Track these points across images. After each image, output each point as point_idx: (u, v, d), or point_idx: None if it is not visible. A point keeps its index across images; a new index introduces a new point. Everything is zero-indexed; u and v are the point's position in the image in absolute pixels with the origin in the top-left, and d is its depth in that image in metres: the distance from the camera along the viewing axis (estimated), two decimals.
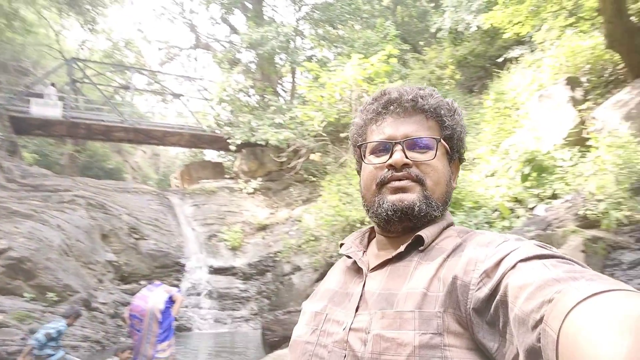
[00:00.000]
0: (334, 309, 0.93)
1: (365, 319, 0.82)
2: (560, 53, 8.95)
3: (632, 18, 7.32)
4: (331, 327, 0.89)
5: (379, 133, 0.96)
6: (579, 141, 7.48)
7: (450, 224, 0.95)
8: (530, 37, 10.46)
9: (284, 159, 14.39)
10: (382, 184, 0.92)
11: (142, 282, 11.74)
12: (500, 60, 12.48)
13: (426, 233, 0.88)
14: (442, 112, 0.94)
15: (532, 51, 10.70)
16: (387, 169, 0.92)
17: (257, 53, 17.67)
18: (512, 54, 11.91)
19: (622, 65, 7.93)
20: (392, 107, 0.95)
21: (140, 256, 12.32)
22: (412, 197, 0.88)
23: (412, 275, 0.83)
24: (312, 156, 14.16)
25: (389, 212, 0.89)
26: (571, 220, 5.93)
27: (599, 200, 5.66)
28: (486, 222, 7.42)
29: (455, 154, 0.98)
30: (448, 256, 0.82)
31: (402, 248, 0.88)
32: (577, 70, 8.68)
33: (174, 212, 15.22)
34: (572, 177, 6.57)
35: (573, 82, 8.57)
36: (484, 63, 15.01)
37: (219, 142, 18.28)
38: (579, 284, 0.57)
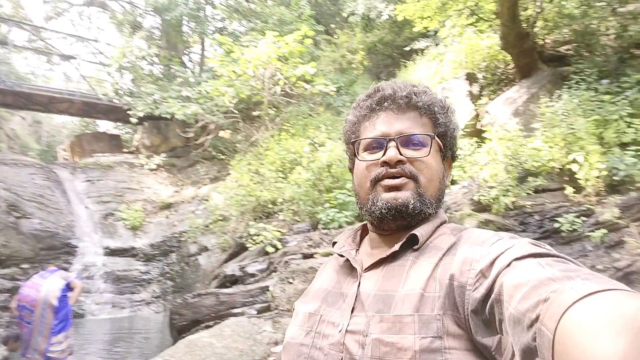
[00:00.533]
0: (328, 310, 0.91)
1: (362, 321, 0.81)
2: (461, 49, 9.70)
3: (523, 24, 8.17)
4: (326, 328, 0.88)
5: (372, 130, 0.96)
6: (475, 132, 8.25)
7: (444, 222, 0.95)
8: (435, 32, 11.16)
9: (190, 135, 13.67)
10: (375, 181, 0.91)
11: (24, 266, 10.50)
12: (407, 49, 13.17)
13: (420, 232, 0.88)
14: (436, 109, 0.95)
15: (436, 45, 11.45)
16: (380, 166, 0.91)
17: (162, 19, 16.38)
18: (418, 45, 12.63)
19: (513, 65, 8.85)
20: (385, 103, 0.95)
21: (22, 237, 10.95)
22: (405, 195, 0.88)
23: (408, 275, 0.83)
24: (222, 133, 13.63)
25: (383, 211, 0.88)
26: (467, 204, 6.56)
27: (491, 187, 6.33)
28: None
29: (448, 151, 0.99)
30: (443, 255, 0.83)
31: (396, 247, 0.87)
32: (475, 66, 9.50)
33: (62, 188, 13.71)
34: (469, 165, 7.25)
35: (471, 78, 9.39)
36: (392, 52, 15.72)
37: (116, 113, 16.74)
38: (575, 283, 0.57)
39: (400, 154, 0.89)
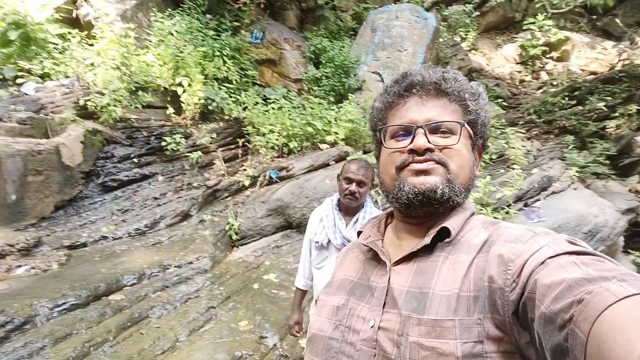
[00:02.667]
0: (357, 304, 0.89)
1: (396, 319, 0.80)
2: None
3: None
4: (356, 323, 0.86)
5: (400, 117, 0.92)
6: (71, 22, 7.01)
7: (473, 213, 0.93)
8: None
9: None
10: (402, 168, 0.88)
11: None
12: None
13: (452, 224, 0.85)
14: (466, 95, 0.92)
15: None
16: (407, 153, 0.88)
17: None
18: None
19: None
20: (414, 90, 0.92)
21: None
22: (434, 179, 0.85)
23: (441, 272, 0.81)
24: None
25: (410, 196, 0.85)
26: (70, 107, 5.67)
27: (102, 94, 5.76)
28: None
29: (478, 139, 0.95)
30: (477, 253, 0.81)
31: (427, 240, 0.85)
32: None
33: None
34: (68, 59, 6.18)
35: None
36: None
37: None
38: (611, 284, 0.56)
39: (429, 142, 0.86)
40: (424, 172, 0.85)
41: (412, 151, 0.86)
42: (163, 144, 5.94)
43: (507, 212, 5.46)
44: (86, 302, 3.45)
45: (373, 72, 8.39)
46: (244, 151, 6.80)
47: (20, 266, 3.95)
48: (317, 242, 2.46)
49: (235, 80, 7.41)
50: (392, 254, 0.91)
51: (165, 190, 5.72)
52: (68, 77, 6.14)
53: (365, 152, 6.90)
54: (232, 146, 6.82)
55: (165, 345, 3.18)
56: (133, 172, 5.68)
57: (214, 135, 6.59)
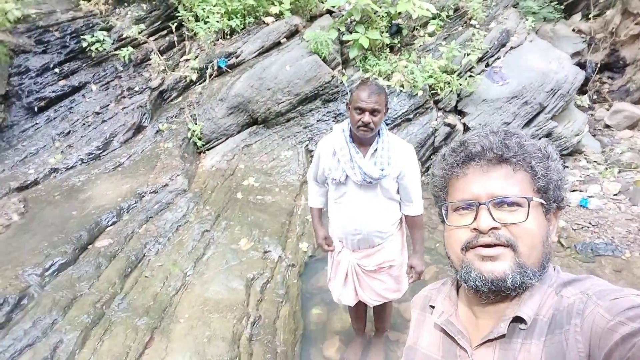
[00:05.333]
0: None
1: None
2: None
3: None
4: None
5: (461, 190, 0.87)
6: None
7: (550, 284, 0.85)
8: None
9: None
10: (467, 248, 0.84)
11: None
12: None
13: (526, 311, 0.80)
14: (533, 162, 0.84)
15: None
16: (471, 231, 0.83)
17: None
18: None
19: None
20: (473, 162, 0.86)
21: None
22: (502, 267, 0.80)
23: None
24: None
25: (478, 283, 0.81)
26: None
27: None
28: None
29: (552, 204, 0.87)
30: (547, 335, 0.78)
31: (503, 329, 0.81)
32: None
33: None
34: None
35: None
36: None
37: None
38: None
39: (494, 219, 0.81)
40: (491, 258, 0.80)
41: (477, 229, 0.82)
42: (84, 44, 4.95)
43: (470, 76, 5.43)
44: (74, 257, 3.21)
45: None
46: (180, 37, 5.90)
47: None
48: (333, 179, 2.30)
49: None
50: (471, 332, 0.88)
51: (104, 101, 5.00)
52: None
53: (312, 18, 6.25)
54: (164, 32, 5.86)
55: (177, 284, 3.14)
56: (59, 85, 4.84)
57: (140, 22, 5.57)
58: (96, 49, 5.02)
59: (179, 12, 5.63)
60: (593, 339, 0.70)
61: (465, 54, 5.41)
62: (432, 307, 0.99)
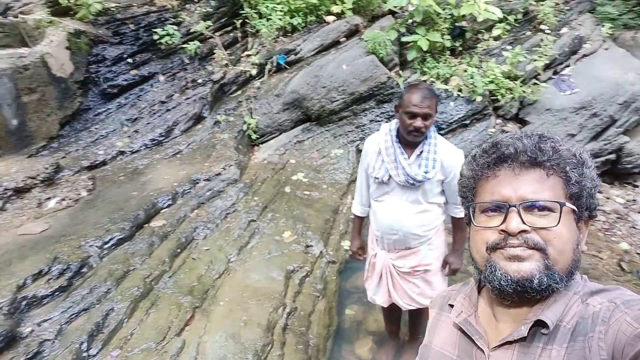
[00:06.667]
0: None
1: None
2: None
3: None
4: None
5: (491, 192, 0.85)
6: None
7: (575, 292, 0.84)
8: None
9: None
10: (494, 248, 0.82)
11: None
12: None
13: (550, 316, 0.78)
14: (567, 167, 0.82)
15: None
16: (499, 233, 0.81)
17: None
18: None
19: None
20: (506, 164, 0.84)
21: None
22: (530, 267, 0.78)
23: None
24: None
25: (503, 282, 0.79)
26: (41, 6, 4.88)
27: None
28: None
29: (584, 212, 0.85)
30: (569, 342, 0.77)
31: (524, 332, 0.79)
32: None
33: None
34: None
35: None
36: None
37: None
38: None
39: (524, 222, 0.78)
40: (518, 258, 0.78)
41: (505, 231, 0.80)
42: (155, 37, 5.28)
43: (535, 84, 5.17)
44: (131, 234, 3.45)
45: None
46: (244, 33, 6.12)
47: (49, 198, 3.86)
48: (376, 177, 2.30)
49: None
50: (489, 334, 0.87)
51: (170, 91, 5.31)
52: None
53: (373, 19, 6.24)
54: (229, 28, 6.11)
55: (220, 269, 3.29)
56: (131, 74, 5.19)
57: (207, 17, 5.84)
58: (166, 42, 5.33)
59: (244, 10, 5.84)
60: (617, 346, 0.69)
61: (531, 60, 5.16)
62: (451, 306, 0.98)
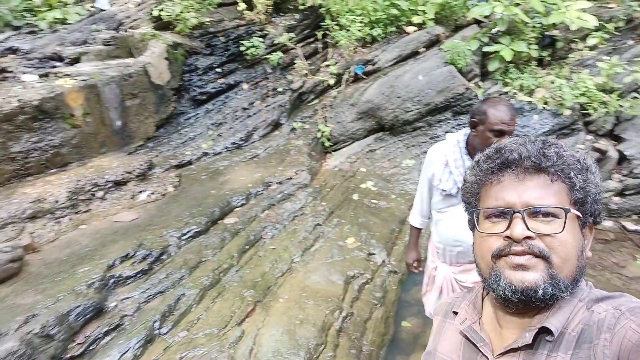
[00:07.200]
0: None
1: None
2: None
3: None
4: None
5: (495, 197, 0.84)
6: None
7: (580, 299, 0.83)
8: None
9: None
10: (498, 256, 0.80)
11: None
12: None
13: (554, 323, 0.78)
14: (572, 173, 0.80)
15: None
16: (504, 239, 0.80)
17: None
18: None
19: None
20: (509, 169, 0.83)
21: None
22: (534, 277, 0.76)
23: None
24: None
25: (507, 292, 0.78)
26: (146, 21, 5.52)
27: (172, 0, 5.47)
28: (25, 10, 5.67)
29: (588, 218, 0.84)
30: (574, 349, 0.76)
31: (528, 339, 0.78)
32: None
33: None
34: None
35: None
36: None
37: None
38: None
39: (528, 229, 0.77)
40: (523, 267, 0.77)
41: (509, 238, 0.79)
42: (242, 48, 5.68)
43: (635, 98, 4.69)
44: (206, 228, 3.74)
45: None
46: (324, 44, 6.33)
47: (141, 192, 4.32)
48: (443, 189, 2.26)
49: None
50: (494, 341, 0.86)
51: (252, 98, 5.66)
52: None
53: (457, 28, 6.10)
54: (311, 40, 6.36)
55: (283, 268, 3.43)
56: (218, 83, 5.63)
57: (291, 30, 6.14)
58: (251, 52, 5.71)
59: (325, 22, 6.05)
60: (622, 353, 0.68)
61: (631, 72, 4.70)
62: (455, 313, 0.98)
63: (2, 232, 3.33)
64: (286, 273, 3.41)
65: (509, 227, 0.79)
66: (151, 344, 2.63)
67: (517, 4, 4.98)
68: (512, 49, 4.96)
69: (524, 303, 0.79)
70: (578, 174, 0.81)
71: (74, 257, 3.22)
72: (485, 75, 5.40)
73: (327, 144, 5.36)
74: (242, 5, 6.11)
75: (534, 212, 0.79)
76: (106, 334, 2.64)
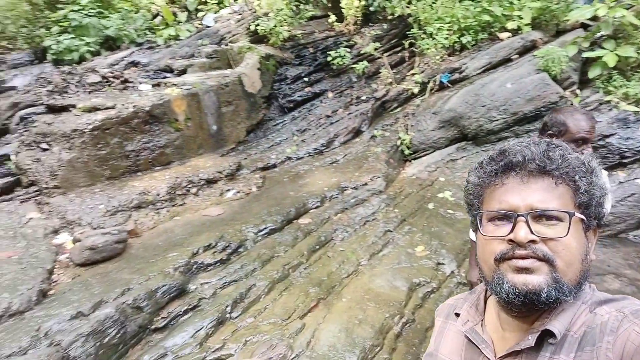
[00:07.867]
0: None
1: None
2: None
3: None
4: None
5: (498, 200, 0.83)
6: None
7: (584, 301, 0.82)
8: None
9: None
10: (502, 259, 0.80)
11: None
12: None
13: (557, 326, 0.77)
14: (576, 176, 0.79)
15: None
16: (507, 243, 0.79)
17: None
18: None
19: None
20: (513, 172, 0.82)
21: None
22: (538, 280, 0.75)
23: None
24: None
25: (510, 295, 0.77)
26: (244, 35, 6.05)
27: (267, 16, 5.92)
28: (147, 29, 6.53)
29: (592, 221, 0.82)
30: (577, 351, 0.76)
31: (531, 342, 0.78)
32: None
33: None
34: None
35: None
36: None
37: None
38: None
39: (532, 232, 0.76)
40: (526, 270, 0.76)
41: (513, 241, 0.78)
42: (329, 59, 5.93)
43: None
44: (281, 226, 4.00)
45: None
46: (411, 54, 6.34)
47: (229, 190, 4.75)
48: None
49: None
50: (496, 343, 0.86)
51: (335, 106, 5.88)
52: (237, 1, 6.44)
53: (558, 33, 5.69)
54: (398, 49, 6.41)
55: (350, 269, 3.54)
56: (305, 91, 5.94)
57: (378, 39, 6.25)
58: (337, 62, 5.94)
59: (412, 32, 6.06)
60: (625, 356, 0.69)
61: None
62: (457, 315, 0.98)
63: (113, 218, 3.93)
64: (352, 275, 3.51)
65: (512, 230, 0.79)
66: (222, 325, 2.92)
67: (630, 6, 4.53)
68: (616, 54, 4.51)
69: (527, 306, 0.78)
70: (583, 177, 0.80)
71: (167, 243, 3.67)
72: (584, 83, 4.98)
73: (406, 152, 5.36)
74: (332, 18, 6.39)
75: (538, 216, 0.78)
76: (185, 312, 2.98)
